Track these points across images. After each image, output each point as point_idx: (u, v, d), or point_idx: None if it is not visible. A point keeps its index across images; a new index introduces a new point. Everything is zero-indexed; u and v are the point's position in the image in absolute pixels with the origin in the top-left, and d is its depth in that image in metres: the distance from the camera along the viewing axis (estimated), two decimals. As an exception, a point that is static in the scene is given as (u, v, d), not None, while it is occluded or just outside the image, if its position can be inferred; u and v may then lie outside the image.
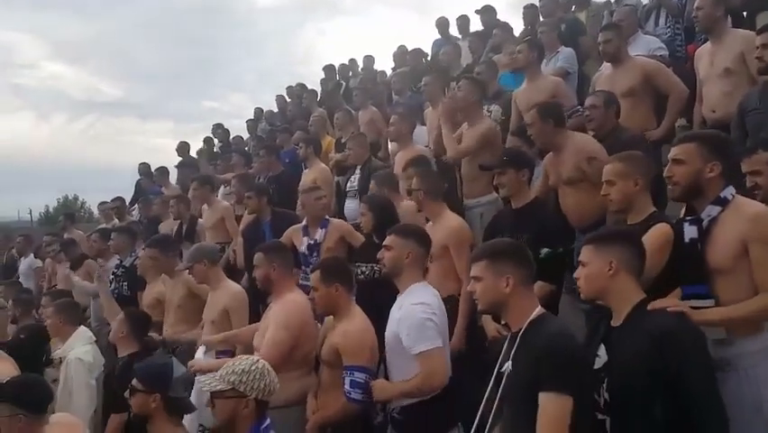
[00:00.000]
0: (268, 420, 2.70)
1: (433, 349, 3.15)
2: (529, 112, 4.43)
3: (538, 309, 2.54)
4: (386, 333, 3.38)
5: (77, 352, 4.41)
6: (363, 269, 4.54)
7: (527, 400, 2.37)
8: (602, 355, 2.51)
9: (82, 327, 4.72)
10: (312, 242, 5.19)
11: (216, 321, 4.48)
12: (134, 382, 3.05)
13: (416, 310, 3.20)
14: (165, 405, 2.98)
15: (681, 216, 2.94)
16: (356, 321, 3.53)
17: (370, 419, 3.51)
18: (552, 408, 2.29)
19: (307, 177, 6.60)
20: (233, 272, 5.94)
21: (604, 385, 2.48)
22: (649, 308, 2.51)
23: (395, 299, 3.60)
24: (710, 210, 2.76)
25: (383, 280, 3.93)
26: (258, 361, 2.72)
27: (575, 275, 2.63)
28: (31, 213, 32.00)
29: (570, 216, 4.21)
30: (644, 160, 3.41)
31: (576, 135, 4.32)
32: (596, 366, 2.51)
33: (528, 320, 2.49)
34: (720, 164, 2.77)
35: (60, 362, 4.47)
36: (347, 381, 3.37)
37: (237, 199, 6.57)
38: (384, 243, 3.42)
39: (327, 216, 5.40)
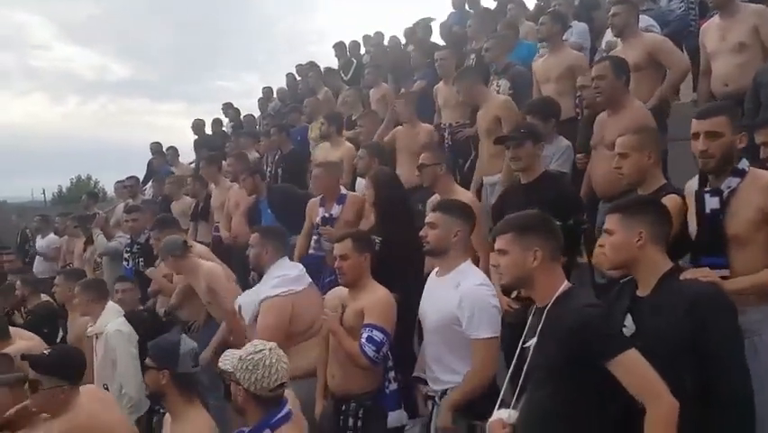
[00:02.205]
0: (283, 411, 2.55)
1: (493, 339, 3.11)
2: (601, 63, 4.33)
3: (566, 284, 2.45)
4: (426, 313, 3.31)
5: (115, 324, 4.47)
6: None
7: (553, 375, 2.32)
8: (629, 326, 2.42)
9: (110, 301, 4.75)
10: (327, 215, 5.19)
11: (212, 301, 4.73)
12: (147, 360, 3.07)
13: (484, 293, 3.14)
14: (174, 381, 2.98)
15: (696, 187, 2.96)
16: (381, 292, 3.53)
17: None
18: (628, 364, 2.21)
19: (332, 154, 6.44)
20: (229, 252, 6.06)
21: None
22: (681, 277, 2.45)
23: (394, 272, 3.68)
24: (730, 181, 2.79)
25: (381, 254, 3.94)
26: (260, 351, 2.54)
27: (599, 242, 2.57)
28: (44, 193, 32.25)
29: (598, 182, 4.11)
30: (656, 133, 3.47)
31: (637, 104, 4.22)
32: None
33: (555, 295, 2.40)
34: (746, 135, 2.82)
35: (96, 338, 4.53)
36: (365, 335, 3.33)
37: (233, 178, 6.56)
38: (428, 219, 3.34)
39: (345, 191, 5.37)
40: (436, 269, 3.41)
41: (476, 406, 3.05)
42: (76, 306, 4.86)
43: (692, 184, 3.05)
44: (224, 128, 10.96)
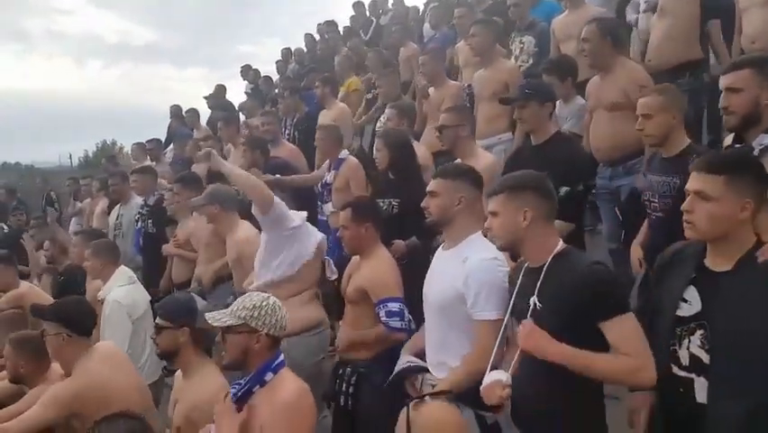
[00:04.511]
0: (281, 357, 2.63)
1: (498, 321, 2.65)
2: (587, 26, 4.29)
3: (561, 244, 2.38)
4: (430, 288, 2.96)
5: (115, 294, 4.39)
6: (381, 205, 4.38)
7: (556, 334, 2.25)
8: (692, 302, 2.18)
9: (122, 267, 4.67)
10: (326, 180, 5.20)
11: (236, 266, 4.57)
12: (158, 320, 3.07)
13: (494, 268, 2.73)
14: (193, 338, 3.02)
15: (728, 144, 2.85)
16: (381, 260, 3.52)
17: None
18: (624, 327, 2.17)
19: (325, 117, 6.53)
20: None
21: (693, 338, 2.16)
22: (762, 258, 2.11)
23: (411, 234, 3.56)
24: (762, 138, 2.65)
25: (400, 216, 3.88)
26: (269, 297, 2.65)
27: (686, 207, 2.20)
28: (71, 158, 32.69)
29: (600, 145, 4.05)
30: (680, 92, 3.38)
31: (629, 62, 4.21)
32: (681, 313, 2.20)
33: (553, 254, 2.34)
34: None
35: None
36: (382, 313, 3.32)
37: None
38: (429, 188, 2.98)
39: (343, 156, 5.29)
40: (444, 243, 3.04)
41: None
42: (87, 269, 4.87)
43: (728, 141, 2.95)
44: (246, 90, 10.91)
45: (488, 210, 2.48)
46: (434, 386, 2.81)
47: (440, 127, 4.21)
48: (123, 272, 4.60)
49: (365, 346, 3.44)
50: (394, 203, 4.22)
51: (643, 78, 4.10)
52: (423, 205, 2.98)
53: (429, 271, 3.03)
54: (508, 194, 2.41)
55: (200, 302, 3.14)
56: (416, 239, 4.04)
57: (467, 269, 2.73)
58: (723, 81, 2.76)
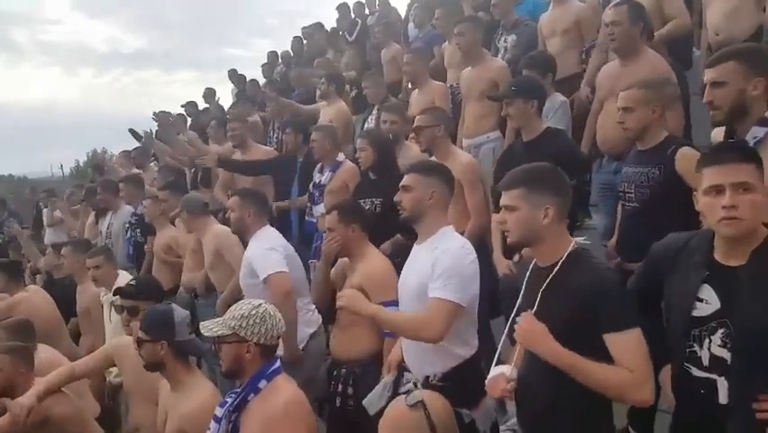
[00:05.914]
0: (278, 363, 2.65)
1: (456, 305, 2.69)
2: (616, 8, 4.12)
3: (573, 243, 2.27)
4: (406, 281, 3.00)
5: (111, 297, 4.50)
6: (363, 205, 4.33)
7: (561, 335, 2.17)
8: (711, 301, 2.08)
9: (123, 271, 4.88)
10: (318, 181, 5.15)
11: (214, 265, 4.66)
12: (139, 333, 3.05)
13: (462, 255, 2.80)
14: (173, 350, 3.00)
15: (721, 138, 2.80)
16: (376, 260, 3.51)
17: None
18: (632, 341, 2.09)
19: (325, 116, 6.49)
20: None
21: (714, 337, 2.08)
22: None
23: (395, 233, 3.53)
24: (756, 132, 2.58)
25: (383, 215, 3.88)
26: (260, 305, 2.64)
27: (728, 203, 2.02)
28: (62, 168, 32.76)
29: (610, 136, 3.96)
30: (663, 85, 3.34)
31: (651, 51, 4.06)
32: (698, 313, 2.11)
33: (566, 254, 2.23)
34: (764, 80, 2.60)
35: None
36: None
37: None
38: (402, 183, 2.99)
39: (341, 159, 5.24)
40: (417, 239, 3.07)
41: (462, 393, 2.79)
42: (94, 277, 4.85)
43: (718, 134, 2.91)
44: (217, 98, 10.93)
45: (502, 203, 2.34)
46: (415, 384, 2.87)
47: (416, 128, 4.21)
48: (126, 277, 4.73)
49: (352, 339, 3.48)
50: (377, 202, 4.23)
51: (665, 70, 3.94)
52: (396, 199, 3.02)
53: (405, 267, 3.06)
54: (528, 188, 2.27)
55: (181, 313, 3.10)
56: (399, 237, 4.04)
57: (437, 254, 2.79)
58: (707, 76, 2.71)
